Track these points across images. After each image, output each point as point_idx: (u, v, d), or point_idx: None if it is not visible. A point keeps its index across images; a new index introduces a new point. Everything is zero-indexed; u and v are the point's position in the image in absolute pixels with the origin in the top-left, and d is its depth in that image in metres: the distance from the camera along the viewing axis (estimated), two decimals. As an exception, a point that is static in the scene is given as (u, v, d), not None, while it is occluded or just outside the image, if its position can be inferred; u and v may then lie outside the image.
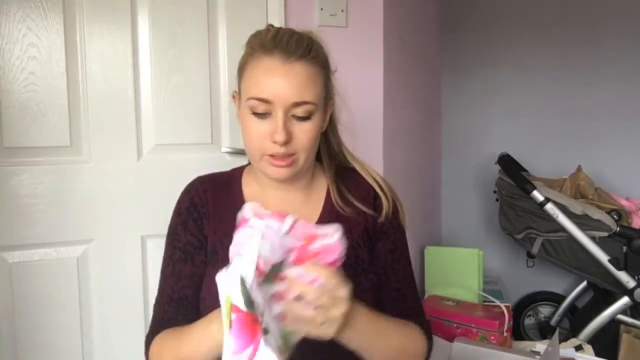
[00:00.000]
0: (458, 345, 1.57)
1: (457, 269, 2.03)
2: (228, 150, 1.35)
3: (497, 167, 2.10)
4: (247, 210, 0.66)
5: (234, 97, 0.87)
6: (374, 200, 0.90)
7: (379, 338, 0.77)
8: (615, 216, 1.90)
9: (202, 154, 1.32)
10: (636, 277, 1.87)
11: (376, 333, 0.77)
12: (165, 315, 0.85)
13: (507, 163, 2.07)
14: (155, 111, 1.28)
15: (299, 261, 0.65)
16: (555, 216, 1.88)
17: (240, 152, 1.31)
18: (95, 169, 1.23)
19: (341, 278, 0.66)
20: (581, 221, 1.89)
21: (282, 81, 0.76)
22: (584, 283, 2.23)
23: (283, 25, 1.36)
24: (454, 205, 2.68)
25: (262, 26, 1.31)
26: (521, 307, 2.46)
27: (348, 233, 0.72)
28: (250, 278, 0.58)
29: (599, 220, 1.88)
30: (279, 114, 0.76)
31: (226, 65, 1.34)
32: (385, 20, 1.51)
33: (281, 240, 0.64)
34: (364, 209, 0.88)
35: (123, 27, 1.23)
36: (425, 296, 2.03)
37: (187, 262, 0.85)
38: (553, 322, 2.27)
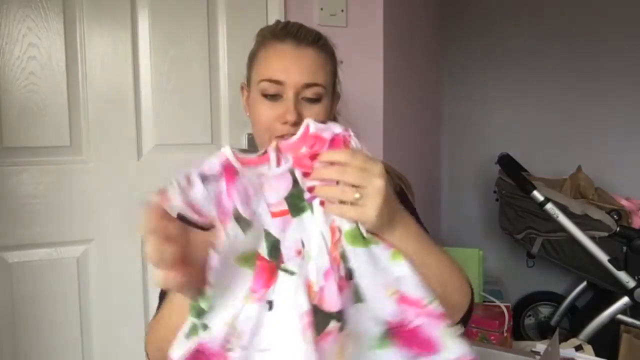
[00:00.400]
0: (458, 345, 1.57)
1: (457, 269, 2.02)
2: (228, 150, 1.35)
3: (497, 167, 2.10)
4: (231, 158, 0.63)
5: (242, 88, 0.90)
6: None
7: (428, 251, 0.71)
8: (615, 216, 1.90)
9: (202, 154, 1.32)
10: (636, 277, 1.87)
11: (426, 243, 0.71)
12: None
13: (507, 163, 2.07)
14: (155, 111, 1.28)
15: (306, 174, 0.65)
16: (555, 216, 1.88)
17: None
18: (95, 169, 1.23)
19: (366, 155, 0.64)
20: (581, 221, 1.89)
21: (293, 63, 0.79)
22: (584, 283, 2.23)
23: (283, 25, 1.36)
24: (454, 205, 2.68)
25: (261, 26, 1.30)
26: (521, 307, 2.46)
27: None
28: (273, 228, 0.62)
29: (599, 220, 1.88)
30: (289, 95, 0.78)
31: (226, 65, 1.34)
32: (385, 20, 1.51)
33: (276, 174, 0.64)
34: None
35: (123, 27, 1.23)
36: (425, 296, 2.03)
37: None
38: (553, 322, 2.27)
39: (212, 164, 0.62)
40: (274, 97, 0.79)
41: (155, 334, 0.74)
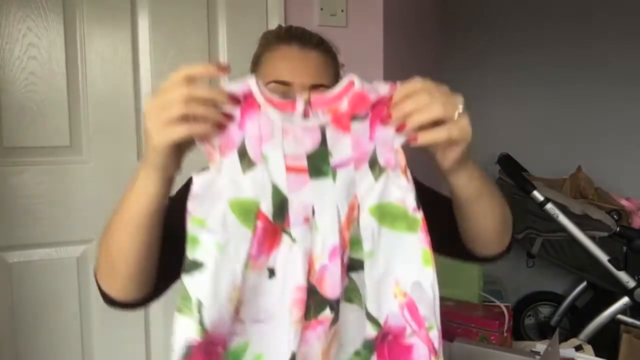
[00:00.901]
0: (458, 345, 1.57)
1: (457, 269, 2.02)
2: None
3: (497, 167, 2.10)
4: (254, 89, 0.56)
5: None
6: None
7: (487, 189, 0.69)
8: (615, 216, 1.90)
9: (202, 154, 1.32)
10: (636, 277, 1.87)
11: (485, 182, 0.69)
12: None
13: (507, 163, 2.07)
14: (155, 111, 1.28)
15: (341, 125, 0.56)
16: (555, 216, 1.88)
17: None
18: (95, 169, 1.23)
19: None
20: (581, 221, 1.89)
21: (300, 64, 0.80)
22: (584, 283, 2.23)
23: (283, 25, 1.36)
24: (454, 205, 2.68)
25: (262, 26, 1.31)
26: (521, 307, 2.46)
27: None
28: (283, 183, 0.54)
29: (599, 220, 1.88)
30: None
31: (226, 65, 1.34)
32: (385, 20, 1.51)
33: (304, 126, 0.56)
34: None
35: (123, 27, 1.23)
36: (425, 296, 2.03)
37: None
38: (553, 322, 2.27)
39: (234, 88, 0.56)
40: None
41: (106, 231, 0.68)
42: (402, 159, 0.58)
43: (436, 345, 0.58)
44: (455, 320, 1.80)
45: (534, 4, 2.50)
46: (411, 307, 0.58)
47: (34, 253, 1.19)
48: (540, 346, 1.68)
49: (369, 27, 1.49)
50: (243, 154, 0.54)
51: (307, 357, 0.54)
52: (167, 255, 0.66)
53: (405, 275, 0.58)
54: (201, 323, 0.52)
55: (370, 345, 0.58)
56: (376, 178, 0.57)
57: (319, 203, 0.55)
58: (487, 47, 2.56)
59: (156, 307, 1.29)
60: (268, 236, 0.54)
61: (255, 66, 0.86)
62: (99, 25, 1.21)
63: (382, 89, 0.58)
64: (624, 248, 1.89)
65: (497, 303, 1.89)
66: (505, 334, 1.76)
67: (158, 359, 1.32)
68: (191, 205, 0.54)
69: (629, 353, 1.77)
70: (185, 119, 0.53)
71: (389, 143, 0.57)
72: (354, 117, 0.56)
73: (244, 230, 0.53)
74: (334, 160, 0.56)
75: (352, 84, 0.57)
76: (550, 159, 2.45)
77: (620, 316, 1.92)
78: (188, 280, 0.52)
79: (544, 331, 2.32)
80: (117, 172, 1.25)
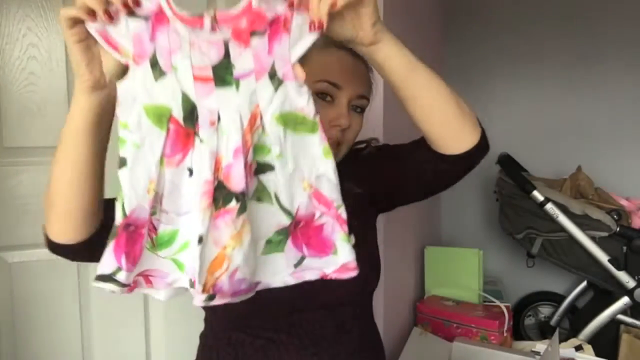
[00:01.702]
0: (458, 345, 1.57)
1: (457, 269, 2.03)
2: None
3: (497, 167, 2.10)
4: (163, 4, 0.60)
5: None
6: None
7: (421, 65, 0.70)
8: (615, 216, 1.90)
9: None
10: (636, 277, 1.87)
11: (415, 58, 0.70)
12: None
13: (507, 163, 2.07)
14: (155, 111, 1.28)
15: (241, 40, 0.62)
16: (555, 216, 1.88)
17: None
18: (95, 169, 1.23)
19: None
20: (581, 221, 1.89)
21: (352, 71, 0.81)
22: (584, 283, 2.23)
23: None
24: (454, 205, 2.68)
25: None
26: (521, 307, 2.47)
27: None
28: (191, 91, 0.61)
29: (599, 220, 1.88)
30: (343, 101, 0.80)
31: (226, 65, 1.34)
32: (385, 20, 1.50)
33: (209, 40, 0.61)
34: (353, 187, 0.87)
35: (123, 27, 1.23)
36: (425, 296, 2.04)
37: None
38: (553, 322, 2.28)
39: (145, 5, 0.60)
40: (325, 98, 0.80)
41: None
42: (300, 72, 0.63)
43: (345, 219, 0.66)
44: (455, 320, 1.81)
45: (535, 4, 2.50)
46: (317, 195, 0.66)
47: (34, 253, 1.19)
48: (540, 346, 1.68)
49: (369, 27, 1.49)
50: (154, 64, 0.61)
51: (217, 240, 0.61)
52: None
53: (310, 170, 0.65)
54: (123, 209, 0.62)
55: (284, 232, 0.66)
56: (275, 89, 0.63)
57: (224, 109, 0.62)
58: (487, 47, 2.57)
59: (156, 307, 1.30)
60: (181, 138, 0.62)
61: (300, 60, 0.85)
62: (99, 25, 1.21)
63: (280, 7, 0.62)
64: (624, 248, 1.89)
65: (497, 303, 1.89)
66: (505, 334, 1.77)
67: (158, 358, 1.32)
68: (117, 110, 0.62)
69: (629, 353, 1.77)
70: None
71: (285, 57, 0.63)
72: (253, 33, 0.62)
73: (157, 131, 0.61)
74: (236, 71, 0.62)
75: (250, 3, 0.61)
76: (550, 159, 2.45)
77: (620, 316, 1.92)
78: (119, 175, 0.63)
79: (544, 331, 2.33)
80: (117, 172, 1.25)
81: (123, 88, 0.61)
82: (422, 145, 0.77)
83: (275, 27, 0.62)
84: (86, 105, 0.64)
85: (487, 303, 1.94)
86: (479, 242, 2.46)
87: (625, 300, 1.89)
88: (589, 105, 2.45)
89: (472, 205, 2.65)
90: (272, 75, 0.62)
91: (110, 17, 0.58)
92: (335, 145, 0.80)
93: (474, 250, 2.01)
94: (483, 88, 2.59)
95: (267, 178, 0.65)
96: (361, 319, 0.87)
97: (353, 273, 0.65)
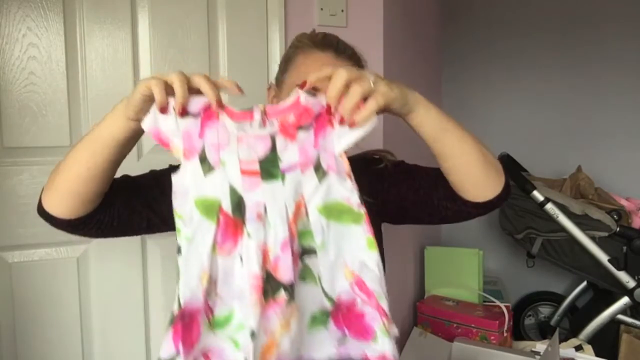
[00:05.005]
0: (458, 345, 1.57)
1: (457, 269, 2.03)
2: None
3: (497, 167, 2.09)
4: (213, 105, 0.65)
5: (269, 88, 0.92)
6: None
7: (452, 126, 0.73)
8: (615, 216, 1.90)
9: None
10: (636, 277, 1.87)
11: (447, 119, 0.73)
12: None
13: (507, 163, 2.07)
14: (155, 111, 1.28)
15: (288, 134, 0.65)
16: (555, 216, 1.88)
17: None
18: (95, 169, 1.23)
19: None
20: (581, 221, 1.89)
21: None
22: (584, 283, 2.23)
23: (283, 26, 1.36)
24: (454, 205, 2.68)
25: (262, 26, 1.31)
26: (521, 307, 2.47)
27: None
28: (238, 184, 0.64)
29: (599, 220, 1.88)
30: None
31: (226, 65, 1.34)
32: (385, 20, 1.51)
33: (256, 134, 0.64)
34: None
35: (123, 27, 1.23)
36: (425, 296, 2.04)
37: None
38: (553, 322, 2.28)
39: (197, 102, 0.63)
40: None
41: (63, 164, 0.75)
42: (345, 164, 0.66)
43: (387, 310, 0.66)
44: (455, 320, 1.81)
45: (535, 4, 2.50)
46: (360, 284, 0.67)
47: (34, 253, 1.19)
48: (540, 346, 1.68)
49: (369, 27, 1.49)
50: (203, 159, 0.64)
51: (267, 329, 0.63)
52: (127, 198, 0.78)
53: (353, 259, 0.66)
54: (179, 300, 0.64)
55: (326, 312, 0.68)
56: (320, 180, 0.65)
57: (270, 202, 0.64)
58: (487, 47, 2.56)
59: (156, 307, 1.30)
60: (230, 228, 0.64)
61: (286, 65, 0.87)
62: (99, 25, 1.21)
63: (324, 101, 0.65)
64: (624, 248, 1.89)
65: (497, 303, 1.89)
66: (505, 334, 1.77)
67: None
68: (174, 203, 0.64)
69: (629, 353, 1.77)
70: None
71: (330, 150, 0.66)
72: (300, 127, 0.65)
73: (207, 224, 0.63)
74: (283, 164, 0.65)
75: (298, 98, 0.65)
76: (550, 159, 2.45)
77: (620, 316, 1.92)
78: (178, 260, 0.64)
79: (544, 331, 2.33)
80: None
81: (177, 181, 0.64)
82: (444, 184, 0.79)
83: (321, 121, 0.66)
84: (122, 132, 0.67)
85: (487, 303, 1.94)
86: (479, 242, 2.45)
87: (625, 300, 1.89)
88: (589, 106, 2.45)
89: (472, 205, 2.64)
90: (317, 167, 0.65)
91: (165, 111, 0.63)
92: None
93: (474, 250, 2.01)
94: (483, 88, 2.59)
95: (311, 261, 0.67)
96: None
97: None
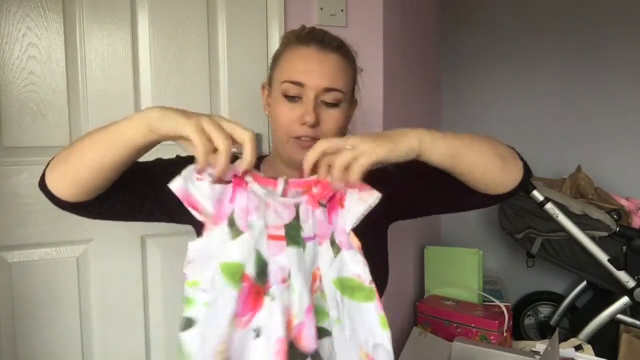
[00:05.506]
0: (458, 345, 1.57)
1: (457, 269, 2.03)
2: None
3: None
4: (240, 171, 0.65)
5: (263, 87, 0.92)
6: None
7: (461, 147, 0.73)
8: (615, 216, 1.90)
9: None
10: (636, 277, 1.87)
11: (454, 144, 0.73)
12: None
13: (507, 163, 2.07)
14: (155, 111, 1.28)
15: (312, 205, 0.68)
16: (555, 216, 1.88)
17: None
18: (95, 169, 1.23)
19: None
20: (581, 221, 1.89)
21: (316, 67, 0.81)
22: (584, 283, 2.23)
23: (283, 26, 1.36)
24: (454, 205, 2.68)
25: (262, 26, 1.31)
26: (521, 307, 2.47)
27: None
28: (265, 249, 0.64)
29: (599, 220, 1.88)
30: (309, 98, 0.80)
31: (226, 65, 1.34)
32: (385, 20, 1.51)
33: (284, 202, 0.67)
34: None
35: (123, 27, 1.23)
36: (426, 296, 2.04)
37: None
38: (553, 322, 2.28)
39: (232, 170, 0.65)
40: (294, 99, 0.81)
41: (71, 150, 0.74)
42: (355, 241, 0.68)
43: None
44: (455, 320, 1.81)
45: (535, 4, 2.50)
46: None
47: (34, 253, 1.19)
48: (540, 346, 1.68)
49: (369, 27, 1.49)
50: (232, 224, 0.64)
51: None
52: (133, 185, 0.77)
53: (367, 338, 0.67)
54: None
55: None
56: (335, 255, 0.67)
57: (295, 268, 0.64)
58: (487, 47, 2.56)
59: (156, 308, 1.30)
60: (252, 296, 0.63)
61: (275, 63, 0.87)
62: (99, 25, 1.21)
63: (338, 185, 0.68)
64: (624, 248, 1.89)
65: (497, 303, 1.89)
66: (505, 334, 1.77)
67: (158, 358, 1.32)
68: (187, 270, 0.62)
69: (629, 353, 1.77)
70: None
71: (341, 228, 0.68)
72: (319, 203, 0.68)
73: (230, 290, 0.62)
74: (304, 233, 0.67)
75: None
76: (550, 159, 2.45)
77: (620, 316, 1.92)
78: (183, 337, 0.60)
79: (544, 331, 2.33)
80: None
81: (197, 247, 0.63)
82: (458, 182, 0.79)
83: (333, 202, 0.69)
84: (145, 135, 0.67)
85: (487, 303, 1.94)
86: (479, 242, 2.45)
87: (625, 300, 1.89)
88: (589, 106, 2.45)
89: (472, 205, 2.64)
90: (333, 242, 0.68)
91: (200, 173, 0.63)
92: (311, 142, 0.80)
93: (474, 250, 2.01)
94: (483, 88, 2.59)
95: (322, 344, 0.66)
96: None
97: None
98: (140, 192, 0.82)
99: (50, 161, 0.76)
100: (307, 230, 0.66)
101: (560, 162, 2.40)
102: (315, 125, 0.80)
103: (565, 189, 2.13)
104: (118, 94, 1.24)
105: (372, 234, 0.87)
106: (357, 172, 0.65)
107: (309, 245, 0.66)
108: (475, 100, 2.59)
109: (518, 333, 2.35)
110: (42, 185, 0.75)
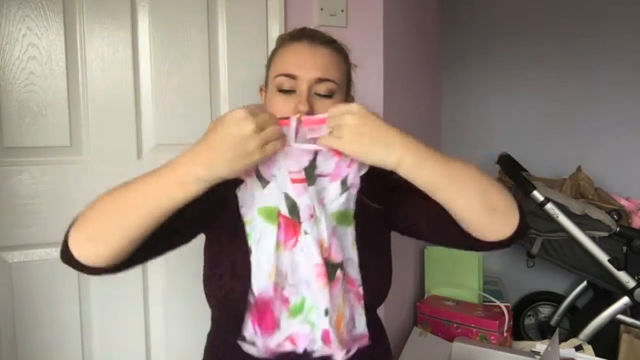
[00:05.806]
0: (458, 345, 1.57)
1: (457, 269, 2.03)
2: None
3: (497, 167, 2.10)
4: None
5: (261, 90, 0.95)
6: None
7: (446, 181, 0.73)
8: (615, 216, 1.90)
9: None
10: (636, 277, 1.87)
11: (447, 163, 0.74)
12: None
13: (507, 163, 2.07)
14: (156, 111, 1.28)
15: (336, 154, 0.78)
16: (555, 216, 1.88)
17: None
18: (95, 169, 1.23)
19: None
20: (581, 221, 1.89)
21: (307, 59, 0.83)
22: (584, 283, 2.23)
23: (283, 26, 1.36)
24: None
25: (262, 26, 1.32)
26: (521, 307, 2.47)
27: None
28: (291, 191, 0.77)
29: (599, 220, 1.88)
30: (303, 89, 0.82)
31: (226, 65, 1.34)
32: (385, 20, 1.51)
33: (297, 147, 0.76)
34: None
35: (123, 27, 1.23)
36: (425, 296, 2.04)
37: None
38: (553, 322, 2.28)
39: None
40: (288, 92, 0.83)
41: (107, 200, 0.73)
42: (358, 184, 0.81)
43: (362, 294, 0.85)
44: (455, 320, 1.81)
45: (535, 4, 2.50)
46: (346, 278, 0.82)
47: (34, 253, 1.19)
48: (540, 346, 1.68)
49: (369, 27, 1.49)
50: (259, 176, 0.79)
51: (335, 305, 0.78)
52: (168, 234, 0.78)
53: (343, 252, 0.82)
54: (252, 291, 0.79)
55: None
56: (341, 193, 0.80)
57: (316, 203, 0.78)
58: (487, 47, 2.56)
59: (156, 308, 1.30)
60: (290, 227, 0.78)
61: (269, 63, 0.90)
62: (99, 25, 1.21)
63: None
64: (624, 248, 1.89)
65: (497, 303, 1.89)
66: (505, 334, 1.77)
67: (158, 358, 1.32)
68: (242, 211, 0.81)
69: (629, 353, 1.77)
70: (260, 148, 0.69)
71: (356, 172, 0.80)
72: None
73: (270, 227, 0.78)
74: (317, 171, 0.79)
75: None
76: (550, 159, 2.45)
77: (620, 316, 1.92)
78: (251, 259, 0.80)
79: (544, 331, 2.32)
80: (117, 172, 1.24)
81: (243, 194, 0.81)
82: (454, 222, 0.79)
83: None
84: (184, 200, 0.69)
85: (487, 303, 1.94)
86: (479, 242, 2.45)
87: (625, 300, 1.89)
88: (589, 106, 2.45)
89: (472, 205, 2.64)
90: (344, 182, 0.79)
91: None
92: None
93: (474, 250, 2.00)
94: (483, 88, 2.59)
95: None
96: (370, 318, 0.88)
97: None
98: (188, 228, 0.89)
99: (79, 222, 0.71)
100: (321, 169, 0.78)
101: (560, 162, 2.39)
102: (309, 114, 0.80)
103: (565, 189, 2.13)
104: (118, 94, 1.24)
105: (375, 235, 0.87)
106: (329, 142, 0.73)
107: (320, 180, 0.79)
108: (475, 99, 2.59)
109: (518, 333, 2.35)
110: (67, 255, 0.71)
